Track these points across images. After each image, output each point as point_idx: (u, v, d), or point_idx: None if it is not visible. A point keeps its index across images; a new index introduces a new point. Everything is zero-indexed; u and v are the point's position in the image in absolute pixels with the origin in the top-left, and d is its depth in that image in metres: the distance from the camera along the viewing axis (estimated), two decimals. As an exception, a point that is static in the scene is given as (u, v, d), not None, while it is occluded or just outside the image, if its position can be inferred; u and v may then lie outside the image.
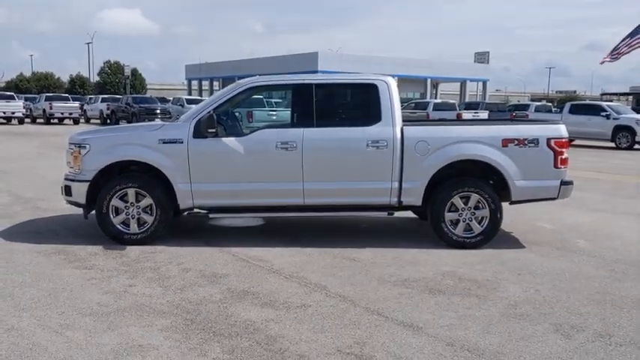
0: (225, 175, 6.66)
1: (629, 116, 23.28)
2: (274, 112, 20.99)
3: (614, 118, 23.07)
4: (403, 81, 63.78)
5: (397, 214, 7.04)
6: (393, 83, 6.83)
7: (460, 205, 6.75)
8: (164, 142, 6.61)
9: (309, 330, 4.35)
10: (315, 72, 60.10)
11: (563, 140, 6.79)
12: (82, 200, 6.76)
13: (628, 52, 57.74)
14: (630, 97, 64.25)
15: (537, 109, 29.84)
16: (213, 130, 6.50)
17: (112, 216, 6.69)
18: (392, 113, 6.71)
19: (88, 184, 6.69)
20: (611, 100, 44.45)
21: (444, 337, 4.27)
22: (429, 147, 6.66)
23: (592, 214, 8.92)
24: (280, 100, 19.59)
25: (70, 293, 5.09)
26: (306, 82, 6.83)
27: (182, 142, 6.60)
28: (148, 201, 6.67)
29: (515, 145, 6.70)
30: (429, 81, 65.12)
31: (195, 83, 78.13)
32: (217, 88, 76.04)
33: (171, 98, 41.38)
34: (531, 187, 6.76)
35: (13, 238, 6.95)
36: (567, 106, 25.01)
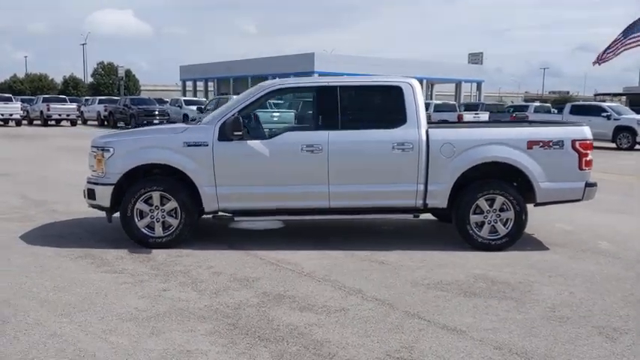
0: (250, 178, 6.63)
1: (629, 117, 23.40)
2: (277, 114, 20.99)
3: (614, 119, 23.18)
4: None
5: (419, 216, 7.03)
6: (417, 85, 6.83)
7: (485, 207, 6.75)
8: (189, 145, 6.57)
9: (354, 334, 4.33)
10: (312, 73, 60.13)
11: (588, 142, 6.81)
12: (106, 204, 6.71)
13: (619, 53, 58.11)
14: (624, 98, 64.59)
15: (536, 110, 29.94)
16: (240, 133, 6.47)
17: (136, 219, 6.65)
18: (417, 115, 6.70)
19: (112, 187, 6.64)
20: (604, 101, 44.67)
21: (490, 340, 4.26)
22: (454, 149, 6.65)
23: (609, 216, 8.95)
24: (281, 102, 19.54)
25: (106, 298, 5.05)
26: (330, 84, 6.82)
27: (207, 145, 6.57)
28: (172, 204, 6.63)
29: (540, 147, 6.70)
30: (424, 82, 65.17)
31: (189, 84, 77.89)
32: (212, 89, 75.94)
33: (167, 99, 41.32)
34: (556, 188, 6.76)
35: (36, 242, 6.90)
36: (568, 106, 25.13)
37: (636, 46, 54.62)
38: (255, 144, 6.59)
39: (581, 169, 6.78)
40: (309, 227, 7.83)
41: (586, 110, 24.40)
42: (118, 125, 33.26)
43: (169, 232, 6.67)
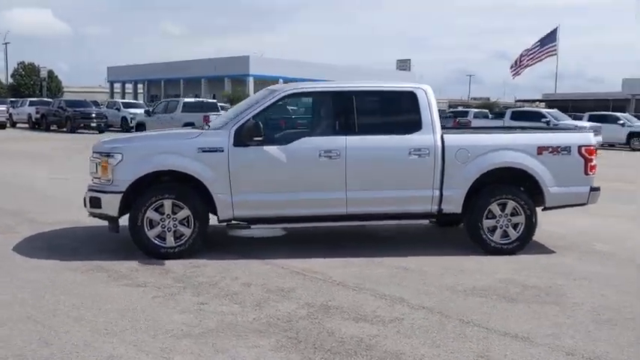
0: (267, 185, 6.45)
1: (568, 122, 24.46)
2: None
3: (553, 124, 24.15)
4: (333, 86, 64.42)
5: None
6: (430, 91, 6.84)
7: (497, 211, 6.83)
8: (204, 151, 6.32)
9: (423, 345, 4.26)
10: (247, 76, 59.81)
11: (592, 148, 7.01)
12: (114, 213, 6.36)
13: (536, 62, 60.59)
14: (543, 104, 67.46)
15: (475, 116, 30.84)
16: (260, 139, 6.28)
17: (146, 229, 6.33)
18: (432, 121, 6.72)
19: (121, 195, 6.29)
20: (522, 107, 46.62)
21: (557, 346, 4.28)
22: (469, 155, 6.70)
23: (591, 218, 9.23)
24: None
25: (144, 314, 4.76)
26: (346, 89, 6.73)
27: (222, 151, 6.34)
28: (185, 213, 6.35)
29: (550, 152, 6.85)
30: (358, 86, 66.01)
31: (117, 86, 75.67)
32: (142, 91, 74.08)
33: (102, 102, 39.94)
34: (564, 193, 6.93)
35: (33, 255, 6.45)
36: (509, 112, 26.05)
37: (552, 55, 57.55)
38: (271, 149, 6.41)
39: (586, 174, 6.98)
40: (311, 234, 7.69)
41: (526, 116, 25.37)
42: (51, 128, 31.77)
43: (181, 242, 6.38)
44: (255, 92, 48.21)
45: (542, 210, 7.07)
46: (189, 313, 4.81)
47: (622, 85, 63.22)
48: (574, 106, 47.83)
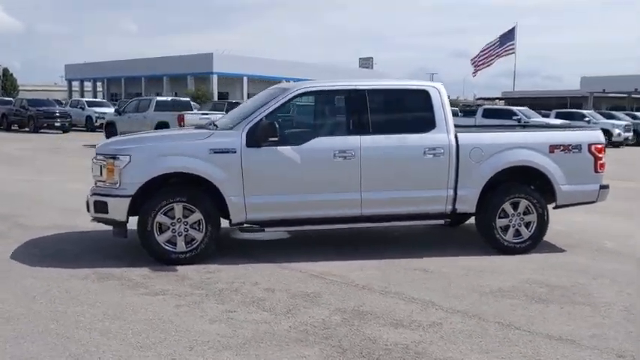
0: (280, 187, 6.26)
1: (538, 120, 24.81)
2: (207, 117, 20.21)
3: (524, 122, 24.46)
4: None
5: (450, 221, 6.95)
6: (442, 89, 6.74)
7: (510, 210, 6.78)
8: (215, 152, 6.09)
9: (472, 351, 4.15)
10: (211, 74, 59.05)
11: (601, 146, 7.02)
12: (122, 217, 6.07)
13: (495, 61, 61.59)
14: (502, 102, 68.62)
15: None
16: (276, 139, 6.09)
17: (156, 234, 6.07)
18: (445, 120, 6.62)
19: (129, 199, 6.01)
20: (483, 104, 47.26)
21: (605, 348, 4.22)
22: (483, 153, 6.63)
23: (587, 216, 9.29)
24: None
25: (173, 324, 4.53)
26: (359, 87, 6.57)
27: (235, 152, 6.12)
28: (196, 216, 6.11)
29: (561, 150, 6.84)
30: (322, 84, 65.89)
31: (76, 84, 73.82)
32: (101, 89, 72.49)
33: (62, 99, 38.90)
34: (575, 191, 6.93)
35: (35, 263, 6.12)
36: (480, 110, 26.29)
37: (510, 53, 58.52)
38: (285, 150, 6.22)
39: (596, 171, 6.99)
40: (315, 236, 7.50)
41: (497, 114, 25.64)
42: (12, 128, 30.72)
43: (193, 247, 6.14)
44: (219, 90, 47.21)
45: (554, 208, 7.05)
46: (219, 322, 4.59)
47: (580, 82, 64.75)
48: (532, 104, 48.69)
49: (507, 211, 6.78)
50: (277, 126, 6.04)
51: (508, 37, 58.84)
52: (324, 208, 6.39)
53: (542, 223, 6.84)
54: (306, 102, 6.69)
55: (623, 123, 28.81)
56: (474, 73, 61.09)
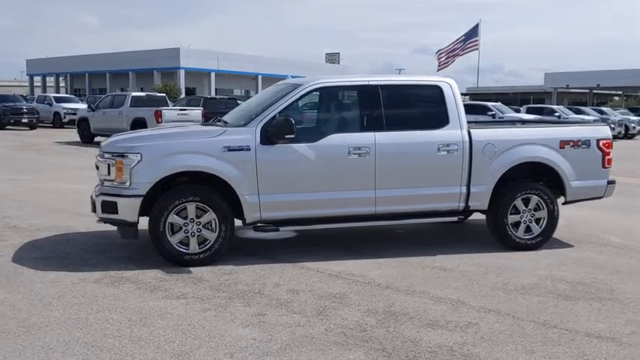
0: (295, 185, 6.12)
1: (511, 115, 25.09)
2: (184, 112, 19.89)
3: (499, 117, 24.72)
4: (267, 80, 63.76)
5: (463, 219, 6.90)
6: (454, 85, 6.68)
7: (522, 207, 6.76)
8: (230, 150, 5.91)
9: (517, 351, 4.09)
10: (178, 69, 58.28)
11: (609, 141, 7.05)
12: (133, 218, 5.85)
13: (459, 56, 62.32)
14: (467, 97, 69.44)
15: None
16: (292, 136, 5.93)
17: (168, 235, 5.86)
18: (459, 116, 6.56)
19: (141, 199, 5.80)
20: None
21: (647, 345, 4.20)
22: (495, 150, 6.59)
23: (579, 210, 9.35)
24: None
25: (205, 330, 4.36)
26: (372, 82, 6.47)
27: (249, 150, 5.95)
28: (210, 216, 5.92)
29: (571, 146, 6.84)
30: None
31: (38, 79, 72.08)
32: (63, 84, 70.89)
33: (28, 96, 37.86)
34: (583, 186, 6.94)
35: (40, 266, 5.86)
36: (455, 105, 26.39)
37: (474, 49, 59.20)
38: (300, 147, 6.07)
39: (604, 167, 7.02)
40: (321, 235, 7.34)
41: (472, 109, 25.76)
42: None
43: (206, 248, 5.95)
44: (186, 85, 46.50)
45: (563, 204, 7.05)
46: (252, 326, 4.44)
47: (545, 78, 65.84)
48: (497, 99, 49.35)
49: (519, 208, 6.75)
50: (293, 123, 5.88)
51: (472, 33, 59.50)
52: (339, 207, 6.27)
53: (553, 219, 6.84)
54: (320, 98, 6.52)
55: (592, 118, 29.34)
56: (438, 68, 61.68)
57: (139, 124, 19.21)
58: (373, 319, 4.61)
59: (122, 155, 5.85)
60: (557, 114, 29.29)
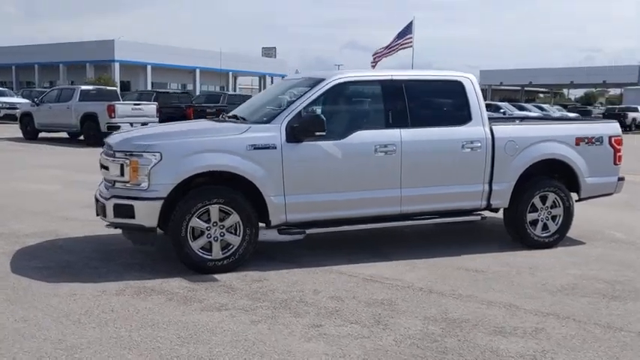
0: (322, 185, 5.81)
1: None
2: (139, 107, 19.09)
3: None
4: (204, 73, 62.64)
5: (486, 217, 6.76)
6: (475, 80, 6.53)
7: (539, 204, 6.69)
8: (255, 148, 5.54)
9: (600, 357, 3.94)
10: (112, 61, 56.36)
11: (620, 138, 7.08)
12: (152, 223, 5.38)
13: (394, 53, 63.16)
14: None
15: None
16: (323, 133, 5.61)
17: (190, 240, 5.44)
18: (481, 112, 6.42)
19: (161, 202, 5.34)
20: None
21: None
22: (516, 147, 6.48)
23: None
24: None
25: (266, 345, 4.01)
26: (395, 77, 6.22)
27: (275, 148, 5.60)
28: (234, 219, 5.53)
29: (586, 143, 6.82)
30: (230, 74, 64.64)
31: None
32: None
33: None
34: (597, 183, 6.94)
35: (48, 278, 5.33)
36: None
37: (408, 46, 59.94)
38: (326, 145, 5.76)
39: (615, 163, 7.03)
40: (330, 236, 7.00)
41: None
42: None
43: (230, 253, 5.56)
44: (121, 78, 44.96)
45: (577, 201, 7.02)
46: (316, 339, 4.12)
47: (479, 75, 67.49)
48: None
49: (537, 205, 6.68)
50: (324, 120, 5.56)
51: (406, 30, 60.19)
52: (365, 207, 6.00)
53: (569, 217, 6.80)
54: (344, 93, 6.21)
55: (535, 114, 30.14)
56: (372, 64, 62.07)
57: (89, 119, 18.30)
58: (437, 328, 4.37)
59: (139, 155, 5.37)
60: (502, 110, 29.96)
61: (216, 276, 5.43)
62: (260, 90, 66.42)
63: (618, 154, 7.02)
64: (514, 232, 6.72)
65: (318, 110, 5.89)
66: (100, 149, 6.13)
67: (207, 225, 5.47)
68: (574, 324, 4.50)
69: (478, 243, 6.90)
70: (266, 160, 5.56)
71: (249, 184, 5.55)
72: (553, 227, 6.77)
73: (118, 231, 5.87)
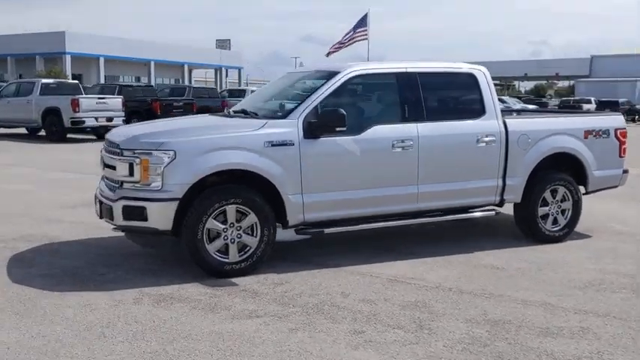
0: (340, 182, 5.59)
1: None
2: (103, 101, 18.43)
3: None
4: (159, 66, 61.35)
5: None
6: (487, 73, 6.39)
7: (550, 198, 6.61)
8: (273, 145, 5.26)
9: (658, 357, 3.84)
10: (63, 53, 54.55)
11: (625, 131, 7.07)
12: (167, 225, 5.06)
13: (349, 45, 63.25)
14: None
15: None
16: (344, 128, 5.37)
17: (206, 243, 5.14)
18: (494, 105, 6.29)
19: (177, 203, 5.02)
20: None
21: None
22: (529, 140, 6.39)
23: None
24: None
25: (314, 356, 3.77)
26: (410, 69, 6.03)
27: (293, 145, 5.34)
28: (251, 219, 5.25)
29: (594, 136, 6.78)
30: (185, 67, 63.44)
31: None
32: None
33: None
34: (603, 176, 6.91)
35: (52, 287, 4.96)
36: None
37: (363, 39, 60.01)
38: (344, 141, 5.53)
39: (620, 156, 7.02)
40: (336, 236, 6.82)
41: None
42: None
43: (247, 255, 5.29)
44: (72, 71, 43.05)
45: (584, 194, 6.98)
46: (363, 348, 3.90)
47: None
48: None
49: (547, 199, 6.60)
50: (345, 115, 5.32)
51: (361, 23, 60.18)
52: (382, 205, 5.81)
53: (577, 210, 6.74)
54: (359, 85, 5.98)
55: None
56: (327, 54, 61.89)
57: (52, 113, 17.56)
58: (482, 331, 4.21)
59: (149, 152, 5.03)
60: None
61: (234, 280, 5.15)
62: (216, 83, 65.49)
63: (623, 146, 7.01)
64: (526, 227, 6.63)
65: (333, 104, 5.62)
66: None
67: (223, 226, 5.17)
68: (617, 322, 4.41)
69: (485, 238, 6.77)
70: (284, 158, 5.29)
71: (265, 182, 5.27)
72: (562, 221, 6.70)
73: (115, 233, 5.57)
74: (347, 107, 5.57)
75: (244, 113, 6.00)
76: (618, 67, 59.05)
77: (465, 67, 6.36)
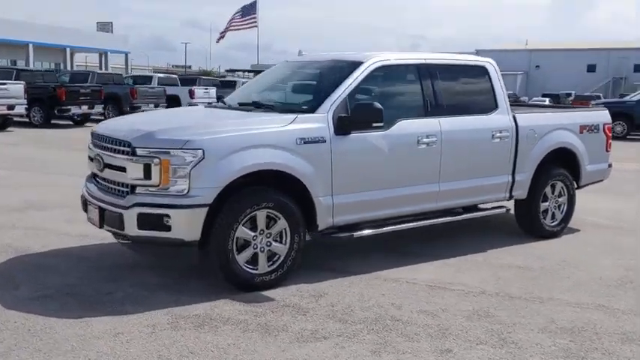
0: (370, 182, 5.18)
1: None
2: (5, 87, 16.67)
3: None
4: (38, 49, 57.17)
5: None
6: (496, 65, 6.20)
7: (549, 194, 6.58)
8: (305, 142, 4.75)
9: None
10: None
11: (611, 125, 7.17)
12: (194, 236, 4.39)
13: (236, 30, 62.57)
14: (252, 74, 69.86)
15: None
16: (381, 124, 4.95)
17: (235, 253, 4.55)
18: (505, 100, 6.13)
19: (206, 210, 4.38)
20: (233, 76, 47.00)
21: None
22: (535, 135, 6.30)
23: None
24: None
25: (420, 383, 3.36)
26: (428, 61, 5.70)
27: (324, 142, 4.85)
28: (281, 225, 4.72)
29: (587, 130, 6.82)
30: (67, 50, 59.49)
31: None
32: None
33: None
34: (593, 170, 6.98)
35: (63, 314, 4.18)
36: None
37: (253, 26, 59.33)
38: (374, 137, 5.11)
39: (607, 150, 7.12)
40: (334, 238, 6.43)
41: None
42: None
43: (277, 265, 4.75)
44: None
45: (576, 189, 7.00)
46: (463, 369, 3.53)
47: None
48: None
49: (547, 195, 6.56)
50: (382, 109, 4.89)
51: (250, 9, 59.29)
52: (406, 204, 5.47)
53: (572, 205, 6.77)
54: (382, 77, 5.54)
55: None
56: (218, 40, 60.60)
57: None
58: (565, 340, 3.99)
59: (168, 152, 4.35)
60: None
61: (265, 294, 4.61)
62: (101, 68, 61.89)
63: (609, 141, 7.11)
64: (528, 222, 6.54)
65: (360, 97, 5.17)
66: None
67: (253, 234, 4.60)
68: (671, 323, 4.34)
69: (485, 236, 6.60)
70: (314, 155, 4.79)
71: (296, 184, 4.75)
72: (559, 216, 6.69)
73: (102, 242, 4.88)
74: (375, 101, 5.14)
75: (257, 106, 5.39)
76: (502, 61, 62.23)
77: (476, 60, 6.14)
